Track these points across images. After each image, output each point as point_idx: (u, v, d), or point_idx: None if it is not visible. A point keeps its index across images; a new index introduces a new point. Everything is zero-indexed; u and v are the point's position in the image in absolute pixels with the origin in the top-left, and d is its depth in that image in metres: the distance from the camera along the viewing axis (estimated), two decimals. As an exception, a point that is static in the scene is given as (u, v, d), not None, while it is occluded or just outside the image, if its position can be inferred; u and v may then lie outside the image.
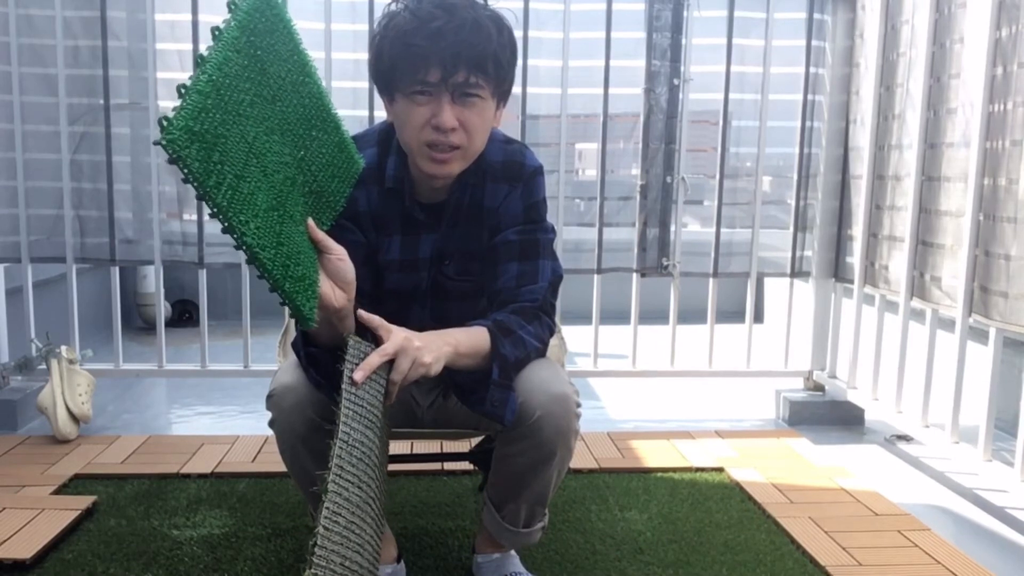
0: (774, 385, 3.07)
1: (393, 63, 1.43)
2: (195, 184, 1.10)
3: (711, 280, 2.99)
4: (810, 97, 2.91)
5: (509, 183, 1.56)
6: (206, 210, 2.77)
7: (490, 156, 1.56)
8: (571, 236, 2.93)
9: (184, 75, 2.74)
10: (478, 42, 1.39)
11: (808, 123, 2.92)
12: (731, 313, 3.61)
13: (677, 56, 2.83)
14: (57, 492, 2.17)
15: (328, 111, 1.37)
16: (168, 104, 2.78)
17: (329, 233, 1.55)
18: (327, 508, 1.24)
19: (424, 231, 1.57)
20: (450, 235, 1.58)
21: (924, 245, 2.46)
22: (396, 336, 1.35)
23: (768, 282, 4.18)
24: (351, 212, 1.56)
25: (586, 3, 2.81)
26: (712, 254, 2.96)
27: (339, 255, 1.35)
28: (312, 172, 1.36)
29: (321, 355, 1.40)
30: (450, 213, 1.56)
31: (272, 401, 1.47)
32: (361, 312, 1.37)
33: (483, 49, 1.39)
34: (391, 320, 1.63)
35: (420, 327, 1.65)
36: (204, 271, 2.87)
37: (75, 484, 2.24)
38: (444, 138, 1.42)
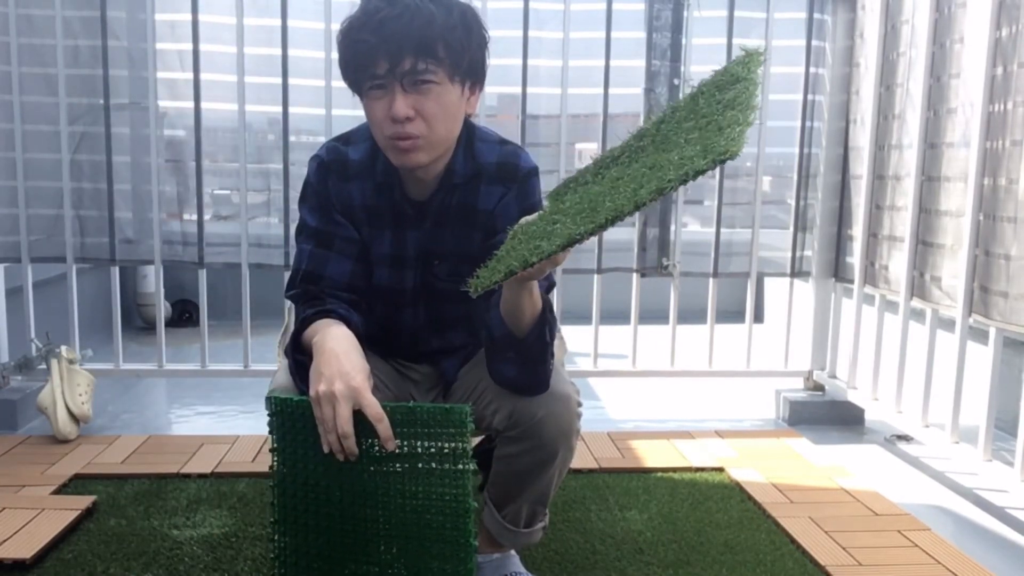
0: (774, 385, 3.07)
1: (347, 62, 1.45)
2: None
3: (711, 280, 2.99)
4: (810, 97, 2.91)
5: (503, 184, 1.56)
6: (206, 211, 2.79)
7: (484, 157, 1.56)
8: (571, 236, 2.92)
9: (184, 75, 2.75)
10: (421, 26, 1.38)
11: (808, 123, 2.92)
12: (731, 313, 3.60)
13: (677, 56, 2.83)
14: (57, 492, 2.17)
15: None
16: (168, 104, 2.79)
17: (325, 229, 1.56)
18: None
19: (411, 228, 1.57)
20: (437, 235, 1.58)
21: (924, 245, 2.46)
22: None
23: (768, 282, 4.18)
24: (346, 207, 1.56)
25: (586, 3, 2.80)
26: (712, 254, 2.96)
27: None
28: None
29: (308, 363, 1.40)
30: (435, 212, 1.56)
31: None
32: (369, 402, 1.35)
33: (427, 33, 1.39)
34: (384, 324, 1.63)
35: (414, 329, 1.65)
36: (204, 271, 2.87)
37: (75, 484, 2.24)
38: (402, 128, 1.42)
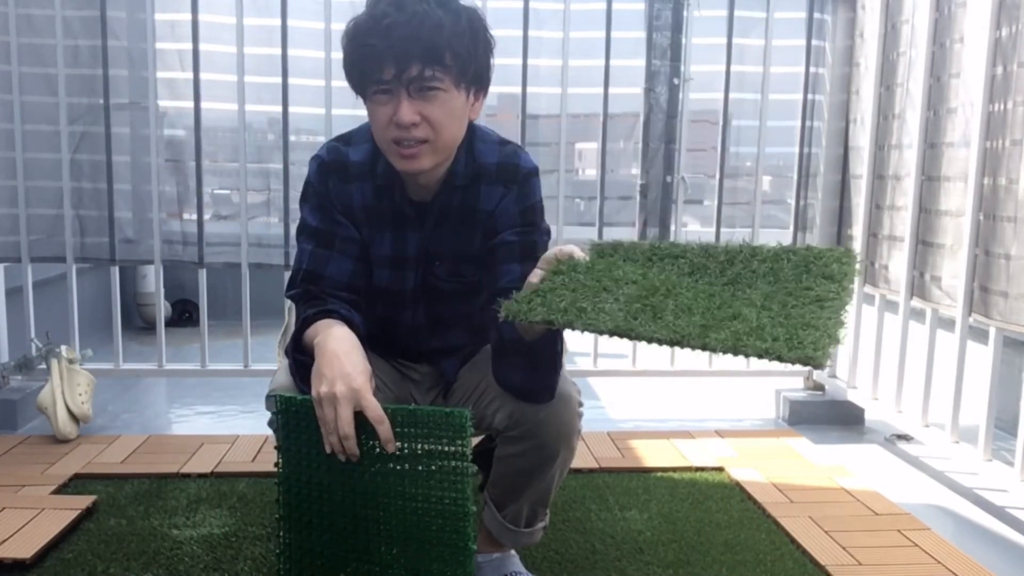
0: (774, 385, 3.06)
1: (352, 65, 1.45)
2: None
3: (711, 280, 2.98)
4: (810, 97, 2.91)
5: (504, 185, 1.56)
6: (206, 211, 2.79)
7: (484, 158, 1.56)
8: (571, 236, 2.92)
9: (184, 75, 2.74)
10: (428, 34, 1.38)
11: (808, 123, 2.92)
12: (731, 313, 3.60)
13: (677, 56, 2.83)
14: (57, 492, 2.17)
15: None
16: (168, 104, 2.79)
17: (326, 228, 1.55)
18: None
19: (412, 229, 1.57)
20: (438, 236, 1.58)
21: (924, 245, 2.46)
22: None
23: (768, 282, 4.17)
24: (346, 207, 1.56)
25: (586, 3, 2.80)
26: (712, 254, 2.95)
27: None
28: None
29: (309, 363, 1.40)
30: (436, 213, 1.56)
31: (271, 401, 1.47)
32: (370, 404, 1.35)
33: (434, 40, 1.38)
34: (384, 324, 1.63)
35: (414, 330, 1.65)
36: (204, 271, 2.87)
37: (75, 484, 2.24)
38: (407, 133, 1.42)
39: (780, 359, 1.15)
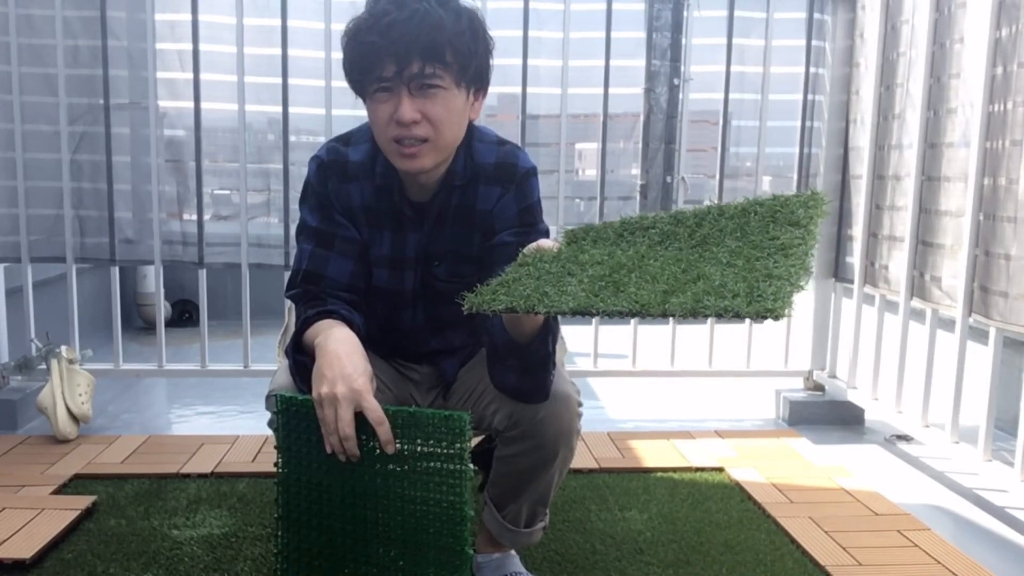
0: (774, 385, 3.06)
1: (353, 63, 1.45)
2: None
3: (711, 280, 2.98)
4: (810, 97, 2.91)
5: (502, 185, 1.56)
6: (206, 211, 2.79)
7: (482, 158, 1.56)
8: (571, 236, 2.92)
9: (184, 75, 2.74)
10: (429, 31, 1.38)
11: (808, 123, 2.92)
12: (731, 313, 3.60)
13: (677, 56, 2.83)
14: (57, 492, 2.17)
15: None
16: (168, 104, 2.79)
17: (326, 229, 1.55)
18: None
19: (411, 229, 1.57)
20: (437, 236, 1.58)
21: (924, 245, 2.46)
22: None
23: (768, 282, 4.17)
24: (346, 207, 1.56)
25: (586, 3, 2.81)
26: (712, 254, 2.95)
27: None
28: None
29: (309, 364, 1.40)
30: (435, 214, 1.56)
31: (271, 401, 1.47)
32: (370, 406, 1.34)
33: (435, 38, 1.39)
34: (384, 324, 1.63)
35: (413, 330, 1.65)
36: (204, 271, 2.87)
37: (75, 484, 2.24)
38: (407, 132, 1.42)
39: (739, 316, 1.11)
